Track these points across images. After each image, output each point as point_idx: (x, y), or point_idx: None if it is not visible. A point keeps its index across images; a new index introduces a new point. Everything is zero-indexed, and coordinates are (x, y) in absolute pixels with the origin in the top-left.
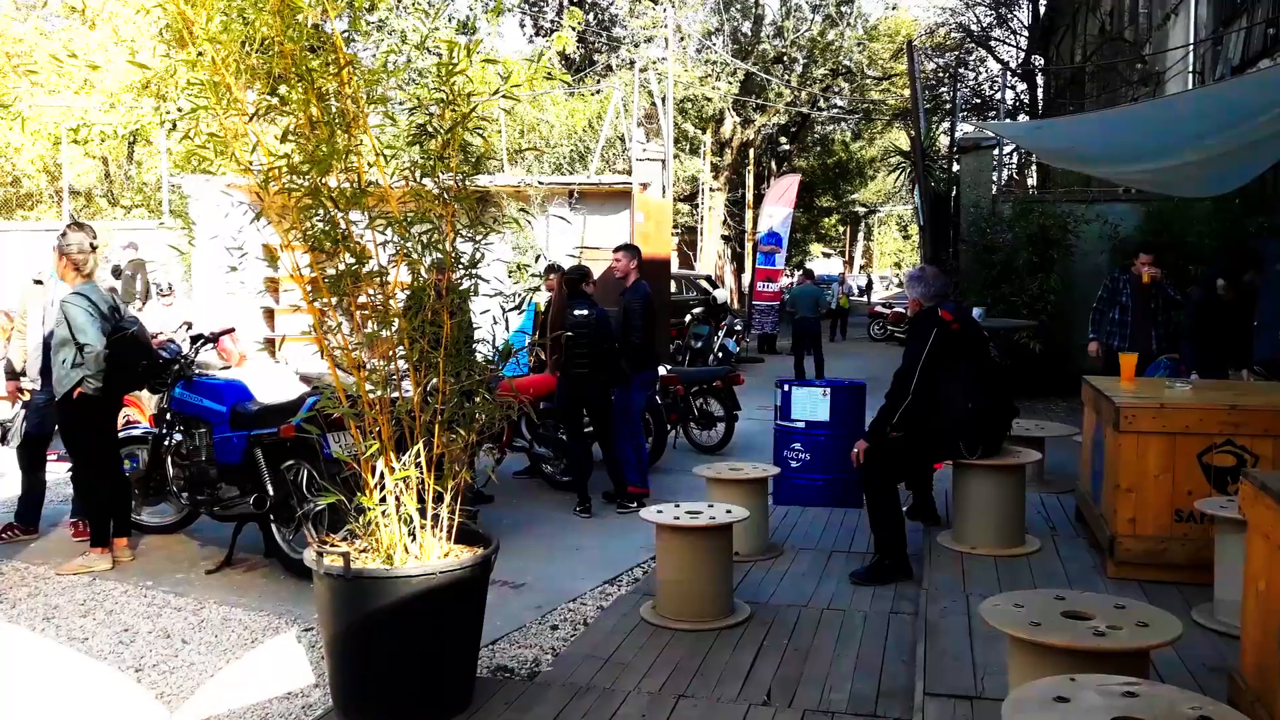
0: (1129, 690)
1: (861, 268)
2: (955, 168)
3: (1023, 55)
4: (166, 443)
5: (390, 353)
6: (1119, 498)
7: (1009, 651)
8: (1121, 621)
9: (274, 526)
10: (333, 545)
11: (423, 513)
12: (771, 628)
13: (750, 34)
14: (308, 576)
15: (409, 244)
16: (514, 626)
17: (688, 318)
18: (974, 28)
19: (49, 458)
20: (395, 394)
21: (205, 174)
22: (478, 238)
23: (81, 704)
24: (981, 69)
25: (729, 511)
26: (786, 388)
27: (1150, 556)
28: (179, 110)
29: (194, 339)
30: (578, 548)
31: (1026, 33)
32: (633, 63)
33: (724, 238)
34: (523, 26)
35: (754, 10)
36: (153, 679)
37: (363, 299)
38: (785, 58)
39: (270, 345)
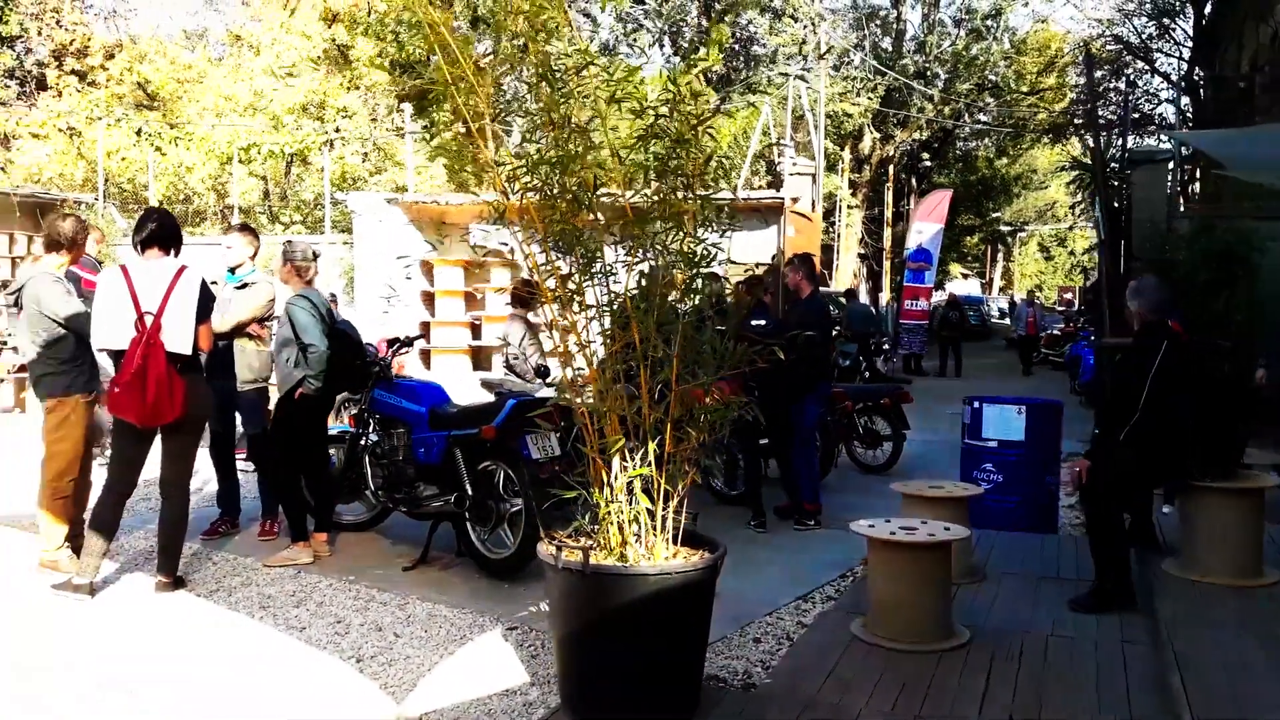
0: None
1: (1001, 289)
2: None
3: (1185, 67)
4: (363, 442)
5: (616, 351)
6: None
7: None
8: None
9: (470, 526)
10: (562, 541)
11: (651, 513)
12: (996, 653)
13: (891, 49)
14: (502, 576)
15: (643, 242)
16: (715, 638)
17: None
18: (1132, 39)
19: (237, 457)
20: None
21: (460, 185)
22: (707, 238)
23: (313, 690)
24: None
25: (947, 529)
26: (977, 404)
27: None
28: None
29: (390, 343)
30: (761, 562)
31: (1190, 44)
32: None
33: (860, 255)
34: (661, 47)
35: (895, 26)
36: (373, 670)
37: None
38: (928, 73)
39: (425, 356)
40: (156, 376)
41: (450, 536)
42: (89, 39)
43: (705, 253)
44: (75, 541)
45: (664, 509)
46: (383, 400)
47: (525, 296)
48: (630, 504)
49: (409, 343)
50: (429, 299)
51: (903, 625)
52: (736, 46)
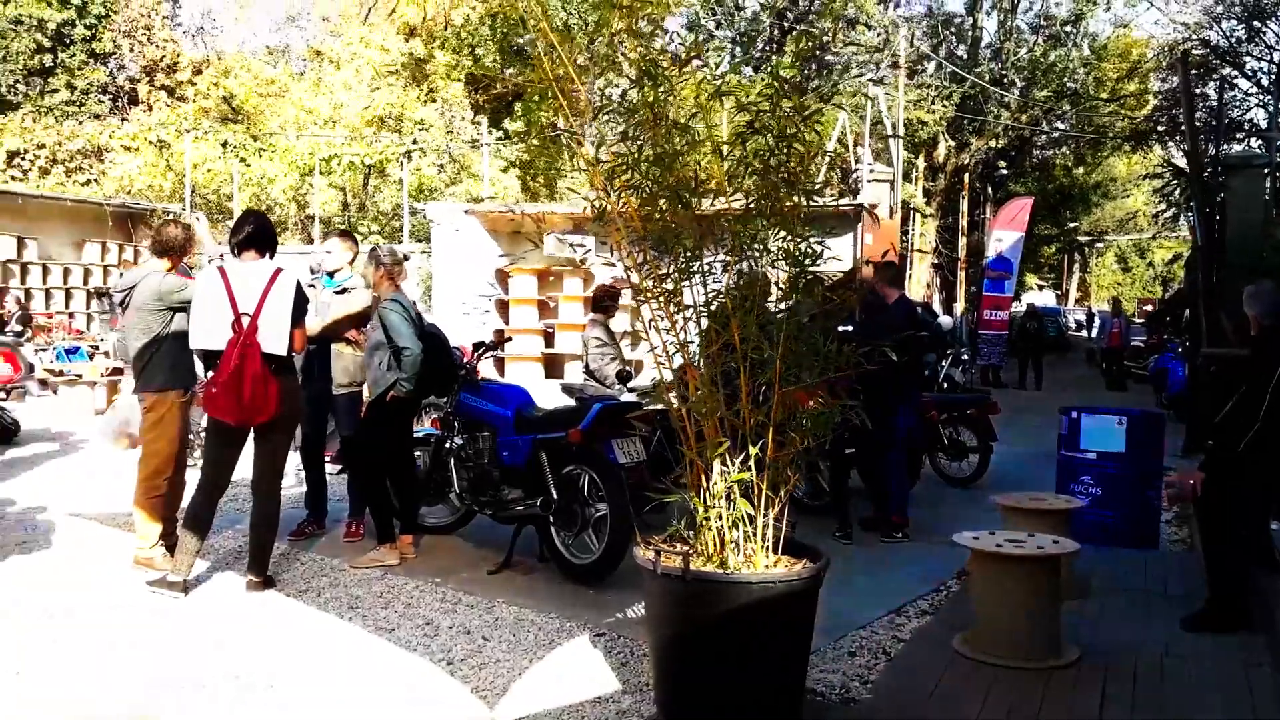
0: None
1: (1077, 301)
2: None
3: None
4: (448, 445)
5: (715, 352)
6: None
7: None
8: None
9: (554, 530)
10: (660, 546)
11: (751, 519)
12: (1109, 673)
13: (966, 56)
14: (587, 581)
15: (744, 241)
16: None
17: None
18: (1220, 43)
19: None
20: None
21: (556, 192)
22: (811, 237)
23: (405, 692)
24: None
25: (1056, 542)
26: (1075, 415)
27: None
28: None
29: (476, 346)
30: (849, 575)
31: None
32: (842, 87)
33: (934, 265)
34: (733, 57)
35: (970, 33)
36: (464, 673)
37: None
38: (1004, 80)
39: (500, 365)
40: (252, 376)
41: (533, 540)
42: (178, 55)
43: (809, 251)
44: (168, 540)
45: (765, 515)
46: (468, 403)
47: (605, 302)
48: (730, 509)
49: (494, 346)
50: (503, 307)
51: (1009, 641)
52: (810, 55)
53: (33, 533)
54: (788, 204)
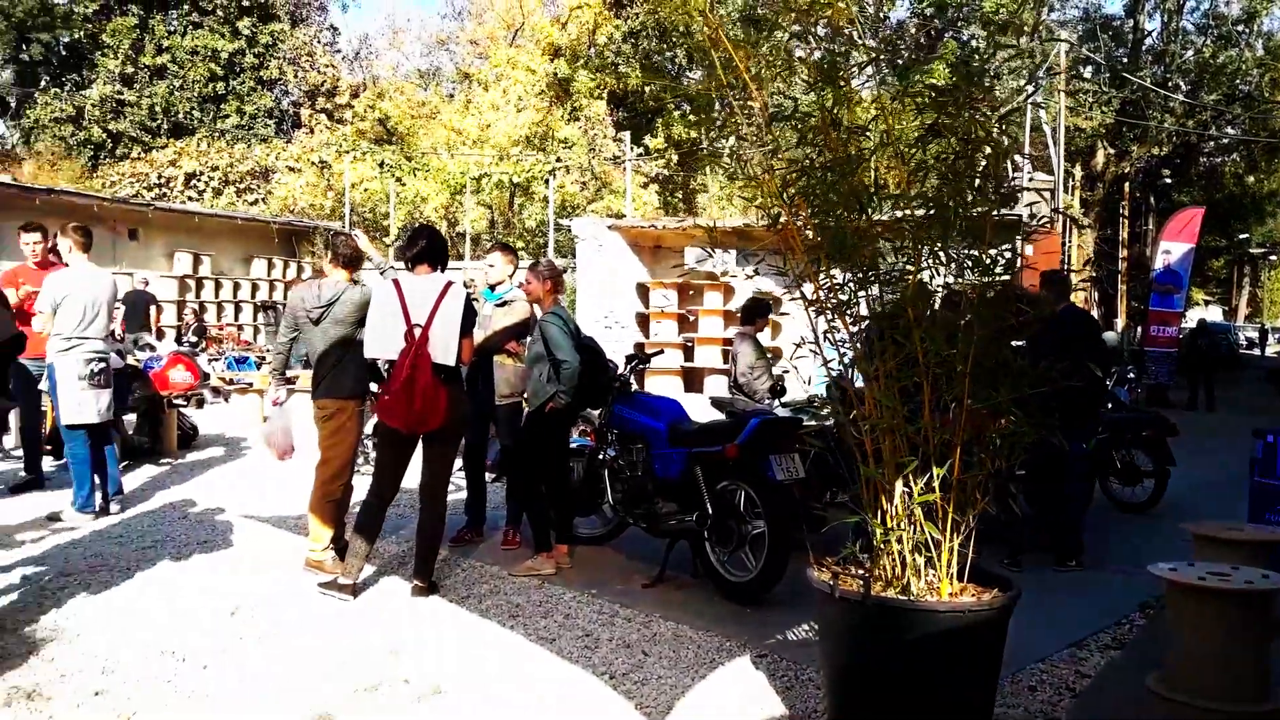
0: None
1: (1247, 317)
2: None
3: None
4: (602, 456)
5: (895, 367)
6: None
7: None
8: None
9: (709, 546)
10: (837, 568)
11: (936, 543)
12: None
13: (1127, 60)
14: (743, 600)
15: (930, 248)
16: None
17: None
18: None
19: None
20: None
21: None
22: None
23: (570, 704)
24: None
25: (1266, 576)
26: (1271, 439)
27: None
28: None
29: (628, 359)
30: (1024, 605)
31: None
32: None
33: (1092, 278)
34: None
35: (1130, 35)
36: (627, 688)
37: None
38: (1168, 84)
39: (640, 378)
40: (423, 386)
41: (685, 555)
42: (337, 80)
43: (999, 259)
44: (338, 544)
45: (950, 540)
46: (622, 415)
47: (755, 315)
48: (913, 532)
49: (647, 359)
50: (643, 321)
51: (1211, 682)
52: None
53: (212, 533)
54: (975, 210)
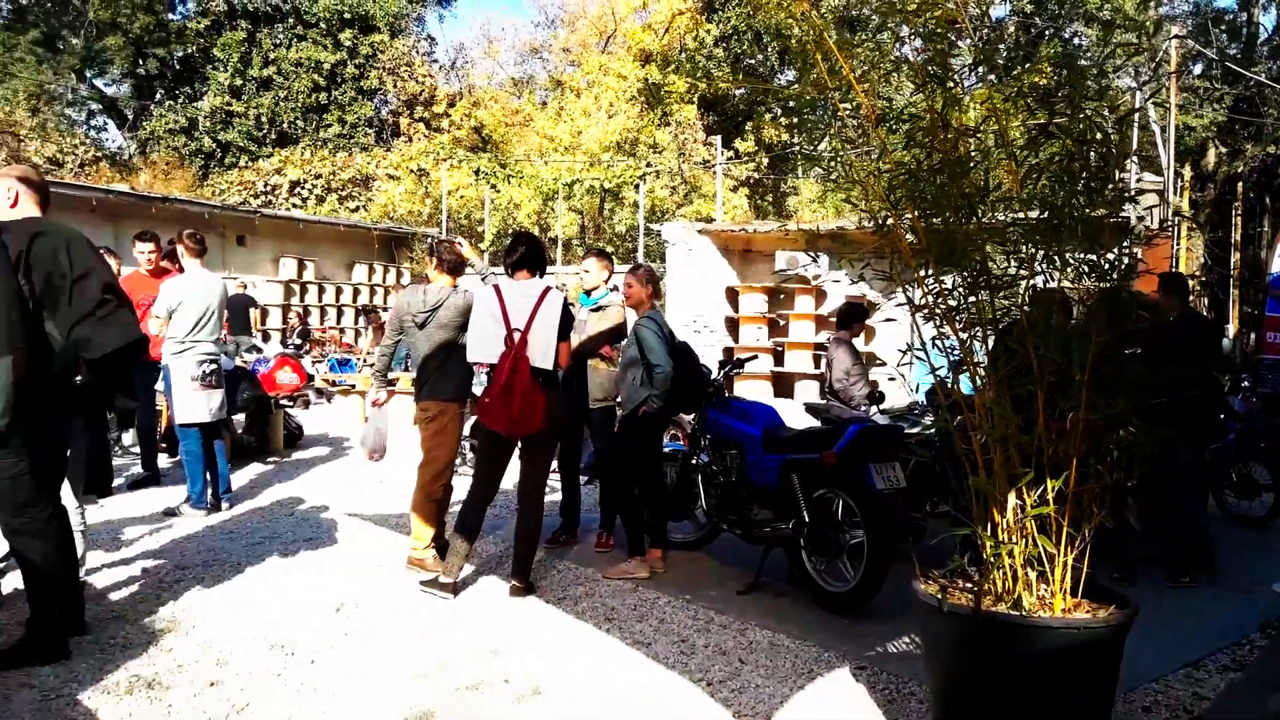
0: None
1: None
2: None
3: None
4: (695, 461)
5: (1007, 375)
6: None
7: None
8: None
9: (805, 555)
10: (944, 581)
11: (1050, 558)
12: None
13: (1240, 55)
14: (840, 610)
15: (1045, 252)
16: None
17: None
18: None
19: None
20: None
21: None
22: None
23: (668, 709)
24: None
25: None
26: None
27: None
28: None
29: (722, 364)
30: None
31: None
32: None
33: (1203, 282)
34: (975, 70)
35: (1244, 30)
36: (724, 695)
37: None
38: None
39: (729, 383)
40: (522, 389)
41: (780, 562)
42: (434, 89)
43: (1119, 264)
44: (439, 543)
45: (1065, 554)
46: (716, 420)
47: (851, 320)
48: (1025, 546)
49: (740, 364)
50: (732, 325)
51: None
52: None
53: (317, 530)
54: (1093, 213)
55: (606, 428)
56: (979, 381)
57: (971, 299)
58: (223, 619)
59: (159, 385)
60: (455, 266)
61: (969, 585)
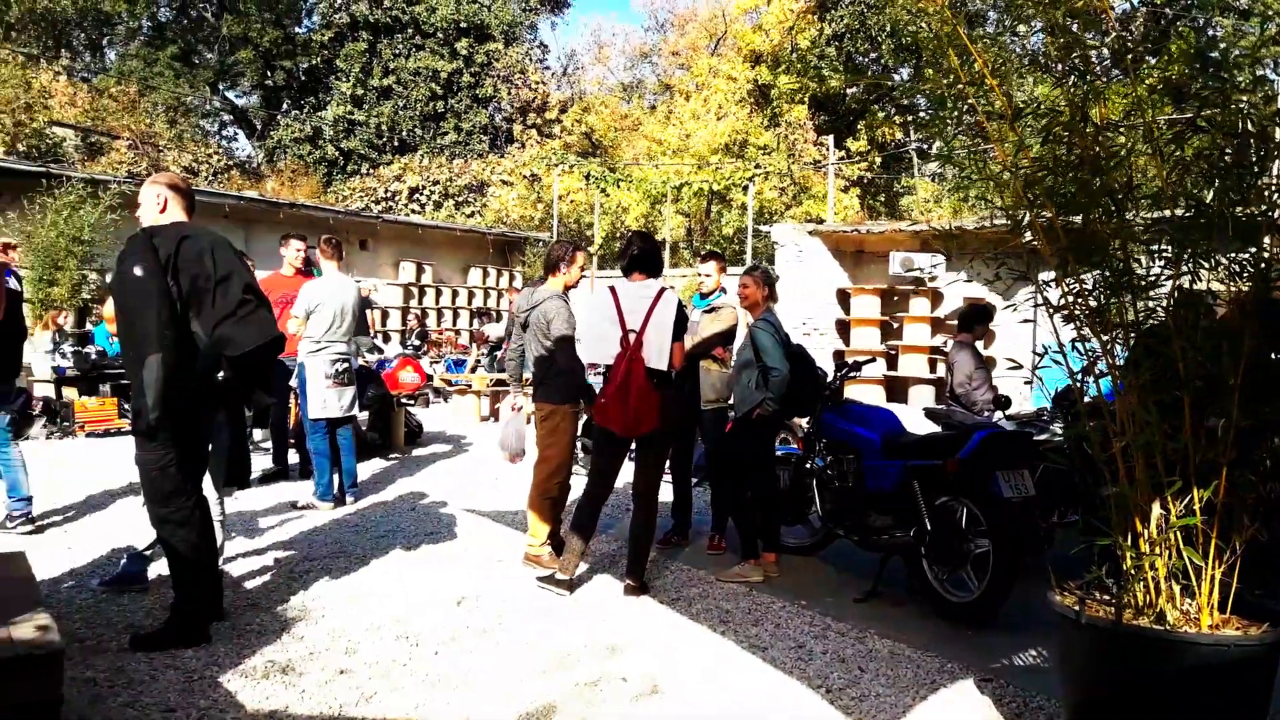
0: None
1: None
2: None
3: None
4: (809, 465)
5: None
6: None
7: None
8: None
9: (926, 564)
10: (1080, 593)
11: (1194, 571)
12: None
13: None
14: (963, 621)
15: (1195, 251)
16: None
17: None
18: None
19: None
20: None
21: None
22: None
23: (787, 714)
24: None
25: None
26: None
27: None
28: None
29: (838, 367)
30: None
31: None
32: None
33: None
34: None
35: None
36: (844, 703)
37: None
38: None
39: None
40: (638, 390)
41: (897, 571)
42: (546, 95)
43: (1276, 264)
44: (554, 540)
45: (1213, 567)
46: (833, 424)
47: (974, 322)
48: (1170, 558)
49: (857, 367)
50: (843, 328)
51: None
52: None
53: (438, 525)
54: (1245, 210)
55: (718, 429)
56: (1120, 386)
57: (1113, 300)
58: (350, 609)
59: (293, 382)
60: (551, 266)
61: (1108, 598)
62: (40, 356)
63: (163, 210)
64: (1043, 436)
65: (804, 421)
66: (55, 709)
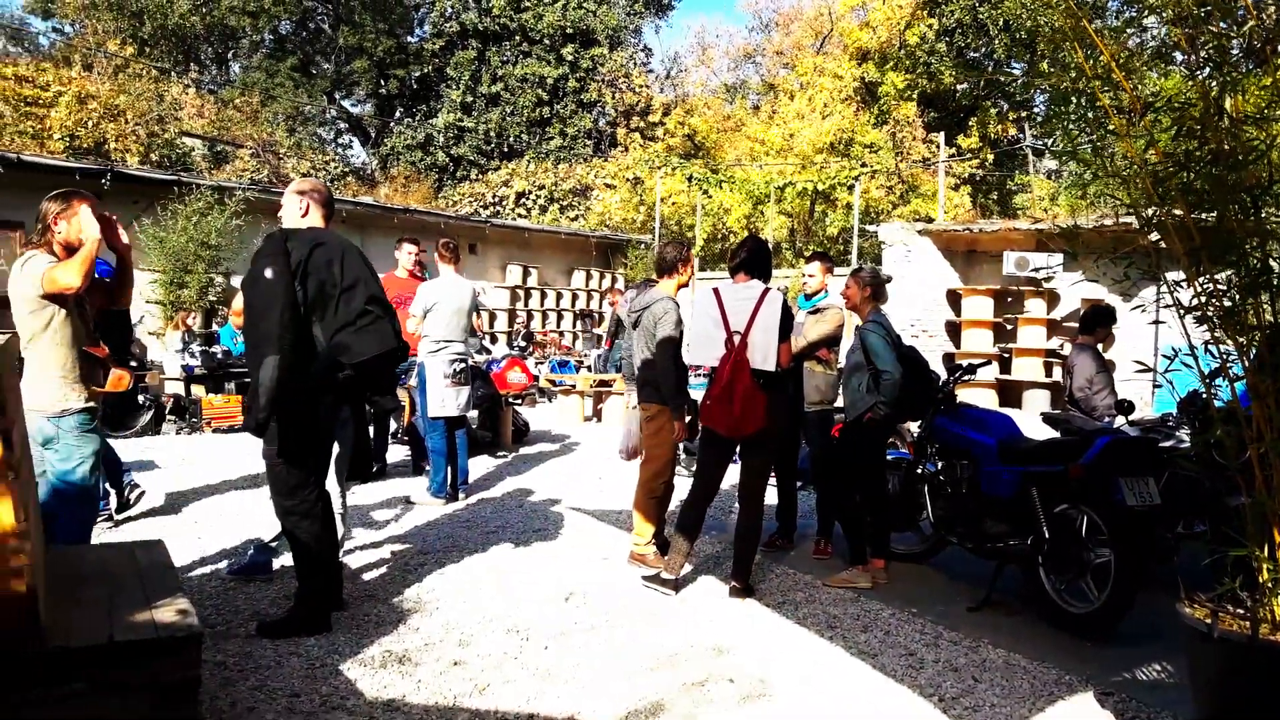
0: None
1: None
2: None
3: None
4: (921, 470)
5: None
6: None
7: None
8: None
9: (1042, 572)
10: (1206, 604)
11: None
12: None
13: None
14: (1082, 633)
15: None
16: None
17: None
18: None
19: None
20: None
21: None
22: None
23: None
24: None
25: None
26: None
27: None
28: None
29: (951, 369)
30: None
31: None
32: None
33: None
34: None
35: None
36: (957, 712)
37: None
38: None
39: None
40: (743, 391)
41: (1011, 580)
42: (650, 98)
43: None
44: (659, 540)
45: None
46: (946, 428)
47: (1096, 325)
48: None
49: (972, 370)
50: (953, 329)
51: None
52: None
53: (545, 522)
54: None
55: (823, 432)
56: (1260, 391)
57: (1249, 300)
58: (462, 602)
59: (412, 381)
60: (668, 268)
61: (1242, 611)
62: (170, 355)
63: (304, 215)
64: (1168, 443)
65: (913, 426)
66: (194, 689)
